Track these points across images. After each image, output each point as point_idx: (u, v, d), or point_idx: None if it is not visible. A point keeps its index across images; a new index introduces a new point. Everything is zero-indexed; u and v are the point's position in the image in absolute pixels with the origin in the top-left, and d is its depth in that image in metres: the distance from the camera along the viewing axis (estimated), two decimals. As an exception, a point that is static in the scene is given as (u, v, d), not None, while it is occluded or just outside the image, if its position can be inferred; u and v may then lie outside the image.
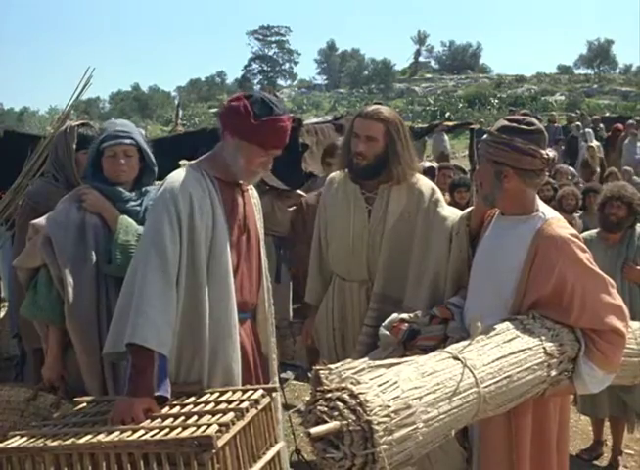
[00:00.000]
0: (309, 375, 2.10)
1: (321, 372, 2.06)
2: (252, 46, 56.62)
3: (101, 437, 1.99)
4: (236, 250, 2.43)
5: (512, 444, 2.26)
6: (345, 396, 1.72)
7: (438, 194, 3.04)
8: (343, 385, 1.77)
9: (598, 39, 50.72)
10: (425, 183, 3.05)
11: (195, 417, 2.05)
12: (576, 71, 47.09)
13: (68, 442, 1.99)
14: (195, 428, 1.95)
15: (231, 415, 2.02)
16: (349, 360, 2.24)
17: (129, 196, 2.84)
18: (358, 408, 1.68)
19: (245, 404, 2.10)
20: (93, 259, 2.74)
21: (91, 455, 1.97)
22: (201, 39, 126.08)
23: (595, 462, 4.11)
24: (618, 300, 2.26)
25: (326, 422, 1.69)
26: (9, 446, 2.04)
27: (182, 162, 2.46)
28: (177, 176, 2.35)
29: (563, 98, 33.60)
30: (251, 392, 2.22)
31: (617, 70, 48.50)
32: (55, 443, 2.00)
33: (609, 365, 2.25)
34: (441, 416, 1.83)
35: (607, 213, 3.93)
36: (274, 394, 2.27)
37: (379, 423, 1.67)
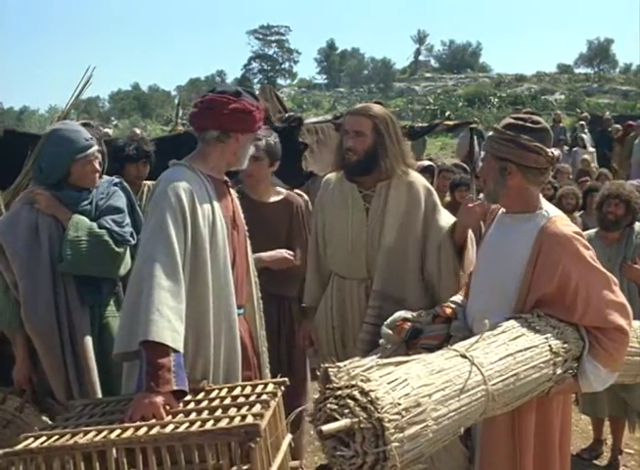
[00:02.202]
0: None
1: (330, 370, 2.06)
2: (252, 45, 56.52)
3: (131, 432, 1.96)
4: (231, 245, 2.46)
5: (515, 442, 2.27)
6: (356, 393, 1.72)
7: (434, 196, 3.09)
8: (353, 382, 1.77)
9: (598, 38, 50.79)
10: (422, 183, 3.10)
11: (220, 410, 2.06)
12: (576, 71, 47.01)
13: (100, 438, 1.95)
14: (228, 419, 1.95)
15: (259, 406, 2.03)
16: (357, 358, 2.24)
17: (79, 196, 2.86)
18: (369, 406, 1.68)
19: (265, 396, 2.12)
20: (47, 260, 2.75)
21: (126, 451, 1.93)
22: (200, 38, 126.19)
23: (595, 461, 4.12)
24: (622, 298, 2.27)
25: (336, 420, 1.69)
26: (35, 446, 1.97)
27: (171, 162, 2.46)
28: (175, 175, 2.36)
29: (563, 97, 33.56)
30: (262, 386, 2.23)
31: (617, 70, 48.48)
32: (84, 440, 1.95)
33: (613, 363, 2.25)
34: (451, 414, 1.83)
35: (605, 212, 3.94)
36: (283, 387, 2.28)
37: (390, 420, 1.68)
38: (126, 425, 2.03)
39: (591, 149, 12.12)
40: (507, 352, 2.05)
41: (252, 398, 2.13)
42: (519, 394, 2.05)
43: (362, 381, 1.77)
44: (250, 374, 2.52)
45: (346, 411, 1.69)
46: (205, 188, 2.39)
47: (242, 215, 2.65)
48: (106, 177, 3.12)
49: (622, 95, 34.38)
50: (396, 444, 1.67)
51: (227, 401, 2.13)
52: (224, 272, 2.38)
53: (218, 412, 2.04)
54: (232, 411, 2.02)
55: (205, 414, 2.05)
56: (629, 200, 3.90)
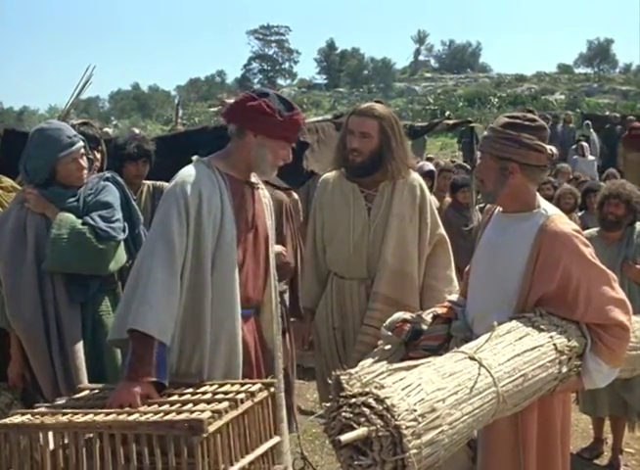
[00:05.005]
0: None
1: (342, 377, 2.05)
2: (252, 45, 56.42)
3: (96, 417, 2.03)
4: (242, 245, 2.45)
5: (518, 440, 2.27)
6: (371, 400, 1.70)
7: (427, 199, 3.15)
8: (367, 390, 1.75)
9: (598, 38, 50.79)
10: (421, 185, 3.14)
11: (190, 405, 2.08)
12: (576, 71, 46.99)
13: (64, 420, 2.03)
14: (188, 413, 1.98)
15: (225, 404, 2.04)
16: (367, 363, 2.23)
17: (65, 193, 2.86)
18: (385, 413, 1.67)
19: (240, 396, 2.12)
20: (33, 259, 2.76)
21: (85, 435, 2.02)
22: (200, 38, 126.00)
23: (595, 461, 4.12)
24: (621, 294, 2.28)
25: (352, 428, 1.67)
26: (8, 422, 2.09)
27: (194, 157, 2.49)
28: (188, 171, 2.39)
29: (563, 97, 33.54)
30: (249, 385, 2.24)
31: (617, 70, 48.48)
32: (51, 421, 2.05)
33: (615, 359, 2.26)
34: (464, 417, 1.82)
35: (605, 212, 3.94)
36: (272, 388, 2.27)
37: (407, 427, 1.66)
38: (100, 411, 2.10)
39: (591, 157, 11.87)
40: (514, 353, 2.04)
41: (230, 395, 2.13)
42: (527, 394, 2.05)
43: (376, 388, 1.75)
44: (250, 375, 2.50)
45: (363, 420, 1.67)
46: (219, 186, 2.39)
47: (266, 218, 2.61)
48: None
49: (622, 95, 34.36)
50: (415, 451, 1.66)
51: (205, 397, 2.15)
52: (230, 271, 2.38)
53: (188, 406, 2.07)
54: (200, 406, 2.05)
55: (175, 407, 2.09)
56: (629, 199, 3.90)
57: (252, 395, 2.17)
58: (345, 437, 1.65)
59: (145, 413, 2.03)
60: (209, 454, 1.95)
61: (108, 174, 3.08)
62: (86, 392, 2.40)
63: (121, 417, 2.02)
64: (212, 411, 1.98)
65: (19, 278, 2.76)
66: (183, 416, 1.96)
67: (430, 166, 6.81)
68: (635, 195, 3.96)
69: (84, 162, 2.89)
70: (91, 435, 2.03)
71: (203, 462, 1.93)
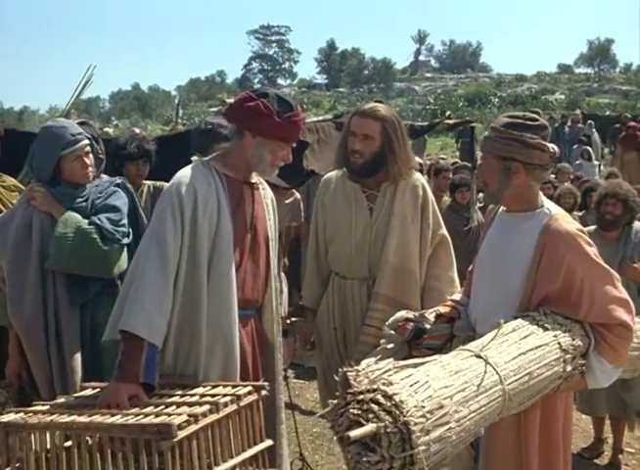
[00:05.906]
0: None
1: (349, 374, 2.04)
2: (253, 45, 56.59)
3: (78, 418, 2.03)
4: (240, 246, 2.44)
5: (520, 440, 2.26)
6: (379, 397, 1.69)
7: (429, 199, 3.13)
8: (375, 386, 1.75)
9: (598, 38, 50.95)
10: (423, 186, 3.12)
11: (173, 407, 2.06)
12: (577, 70, 47.09)
13: (47, 420, 2.04)
14: (165, 416, 1.96)
15: (205, 408, 2.02)
16: (374, 361, 2.23)
17: (73, 193, 2.86)
18: (394, 410, 1.66)
19: (224, 399, 2.09)
20: (37, 258, 2.76)
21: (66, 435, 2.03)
22: (201, 38, 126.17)
23: (596, 461, 4.12)
24: (625, 294, 2.27)
25: (360, 425, 1.67)
26: None
27: (193, 158, 2.49)
28: (184, 172, 2.39)
29: (563, 97, 33.55)
30: (239, 388, 2.22)
31: (618, 69, 48.52)
32: (34, 421, 2.06)
33: (618, 359, 2.26)
34: (471, 415, 1.81)
35: (603, 212, 3.94)
36: (263, 391, 2.24)
37: (416, 424, 1.66)
38: (85, 411, 2.10)
39: (595, 162, 11.81)
40: (519, 351, 2.03)
41: (215, 398, 2.11)
42: (532, 392, 2.04)
43: (384, 384, 1.75)
44: (246, 377, 2.48)
45: (371, 416, 1.67)
46: (215, 186, 2.38)
47: (267, 220, 2.59)
48: (106, 177, 3.11)
49: (623, 95, 34.38)
50: (423, 447, 1.66)
51: (191, 400, 2.13)
52: (226, 272, 2.36)
53: (170, 409, 2.05)
54: (180, 410, 2.03)
55: (157, 409, 2.07)
56: (626, 199, 3.90)
57: (239, 398, 2.14)
58: (354, 433, 1.64)
59: (127, 415, 2.02)
60: (183, 458, 1.92)
61: (119, 181, 3.08)
62: (88, 391, 2.39)
63: (98, 419, 2.01)
64: (189, 415, 1.95)
65: (22, 276, 2.76)
66: (154, 420, 1.94)
67: (417, 160, 6.76)
68: (632, 194, 3.96)
69: (89, 160, 2.88)
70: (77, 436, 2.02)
71: (174, 466, 1.90)
